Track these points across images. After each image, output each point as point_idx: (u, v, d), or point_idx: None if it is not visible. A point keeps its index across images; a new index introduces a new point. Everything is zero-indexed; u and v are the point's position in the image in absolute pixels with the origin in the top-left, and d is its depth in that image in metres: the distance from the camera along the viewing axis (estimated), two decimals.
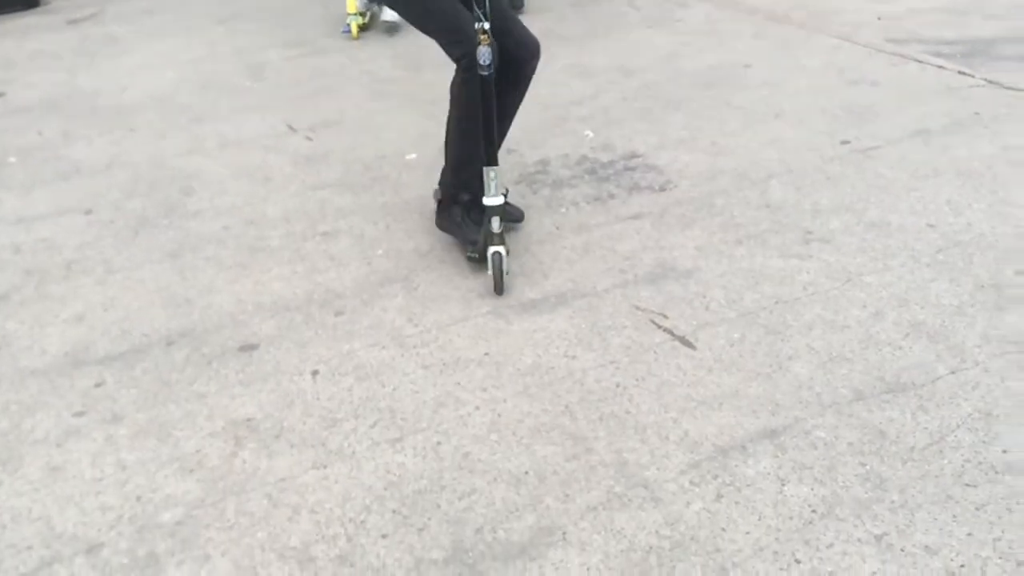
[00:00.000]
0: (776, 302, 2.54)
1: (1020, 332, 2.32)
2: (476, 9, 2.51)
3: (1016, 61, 4.37)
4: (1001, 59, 4.46)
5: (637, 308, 2.56)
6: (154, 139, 4.07)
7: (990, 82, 3.97)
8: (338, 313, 2.63)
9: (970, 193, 3.03)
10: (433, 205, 3.05)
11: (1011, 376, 2.17)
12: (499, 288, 2.66)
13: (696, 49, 4.76)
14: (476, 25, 2.53)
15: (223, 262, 2.97)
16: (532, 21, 5.13)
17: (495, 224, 2.64)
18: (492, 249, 2.63)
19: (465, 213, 2.87)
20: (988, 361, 2.23)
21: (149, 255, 3.05)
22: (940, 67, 4.20)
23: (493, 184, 2.63)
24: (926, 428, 2.03)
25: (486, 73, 2.55)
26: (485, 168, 2.63)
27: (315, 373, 2.36)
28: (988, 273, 2.58)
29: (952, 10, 5.38)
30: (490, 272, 2.66)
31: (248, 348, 2.49)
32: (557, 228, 3.05)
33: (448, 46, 2.66)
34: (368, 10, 5.56)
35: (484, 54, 2.53)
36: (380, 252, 2.98)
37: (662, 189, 3.29)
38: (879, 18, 5.36)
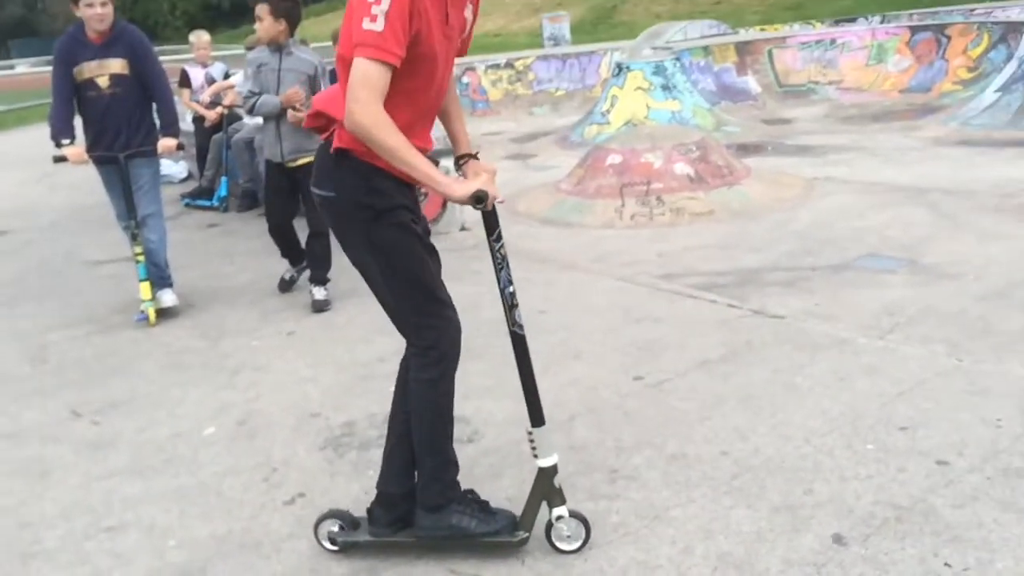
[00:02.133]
0: (590, 548, 2.56)
1: (814, 552, 2.45)
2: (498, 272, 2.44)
3: (778, 287, 4.94)
4: (767, 285, 5.04)
5: (452, 572, 2.50)
6: None
7: (756, 312, 4.44)
8: None
9: (753, 418, 3.28)
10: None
11: None
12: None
13: (494, 299, 5.04)
14: (509, 289, 2.43)
15: None
16: (338, 279, 5.33)
17: (556, 482, 2.52)
18: (556, 512, 2.52)
19: (474, 506, 2.61)
20: None
21: None
22: (712, 301, 4.67)
23: (546, 444, 2.53)
24: None
25: (521, 332, 2.50)
26: (535, 430, 2.51)
27: None
28: (780, 496, 2.75)
29: (721, 245, 6.09)
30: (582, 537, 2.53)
31: None
32: (366, 493, 2.98)
33: (420, 328, 2.43)
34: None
35: (519, 315, 2.48)
36: (173, 543, 2.77)
37: (469, 440, 3.33)
38: (660, 255, 5.96)
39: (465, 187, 2.27)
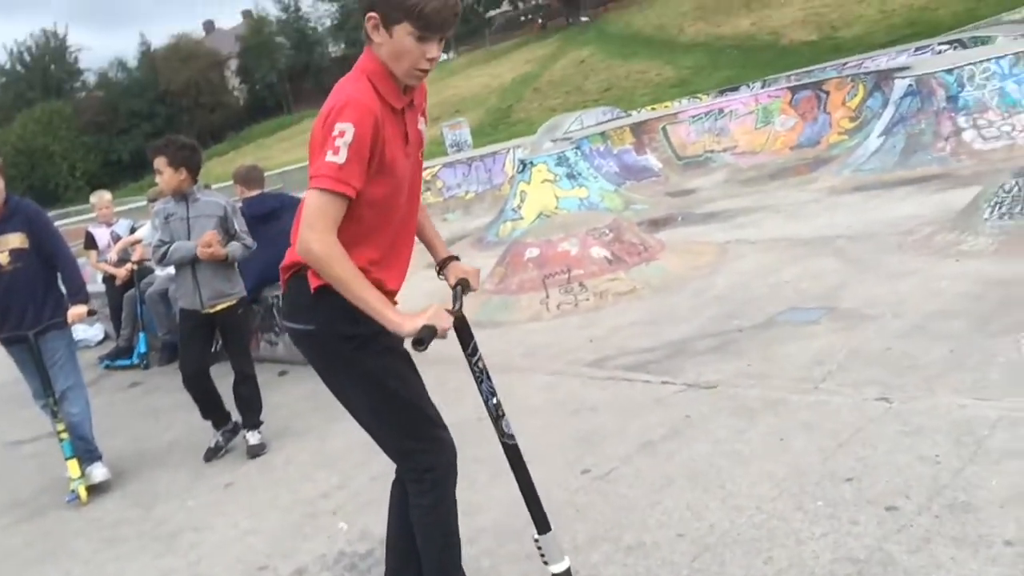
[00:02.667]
0: None
1: None
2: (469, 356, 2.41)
3: (709, 354, 5.02)
4: (698, 354, 5.12)
5: None
6: None
7: (689, 385, 4.49)
8: None
9: (703, 494, 3.27)
10: None
11: None
12: None
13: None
14: (492, 400, 2.39)
15: None
16: (270, 418, 5.21)
17: None
18: None
19: None
20: None
21: None
22: (646, 381, 4.71)
23: (555, 550, 2.44)
24: None
25: (513, 442, 2.44)
26: (541, 537, 2.44)
27: None
28: (742, 570, 2.73)
29: (648, 321, 6.18)
30: None
31: None
32: None
33: (414, 453, 2.41)
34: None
35: (508, 424, 2.43)
36: None
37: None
38: (591, 340, 6.01)
39: (412, 323, 2.20)
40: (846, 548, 2.71)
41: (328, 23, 71.27)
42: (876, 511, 2.87)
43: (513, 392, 5.05)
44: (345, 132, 2.15)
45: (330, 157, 2.16)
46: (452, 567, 2.50)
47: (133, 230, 8.78)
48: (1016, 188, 6.04)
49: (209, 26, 78.51)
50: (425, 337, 2.17)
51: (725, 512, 3.10)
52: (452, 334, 2.32)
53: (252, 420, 5.08)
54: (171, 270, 5.76)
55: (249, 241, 5.05)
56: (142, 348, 8.09)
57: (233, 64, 70.77)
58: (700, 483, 3.37)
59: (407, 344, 2.25)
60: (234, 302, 5.03)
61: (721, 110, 14.46)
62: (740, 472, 3.37)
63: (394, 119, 2.30)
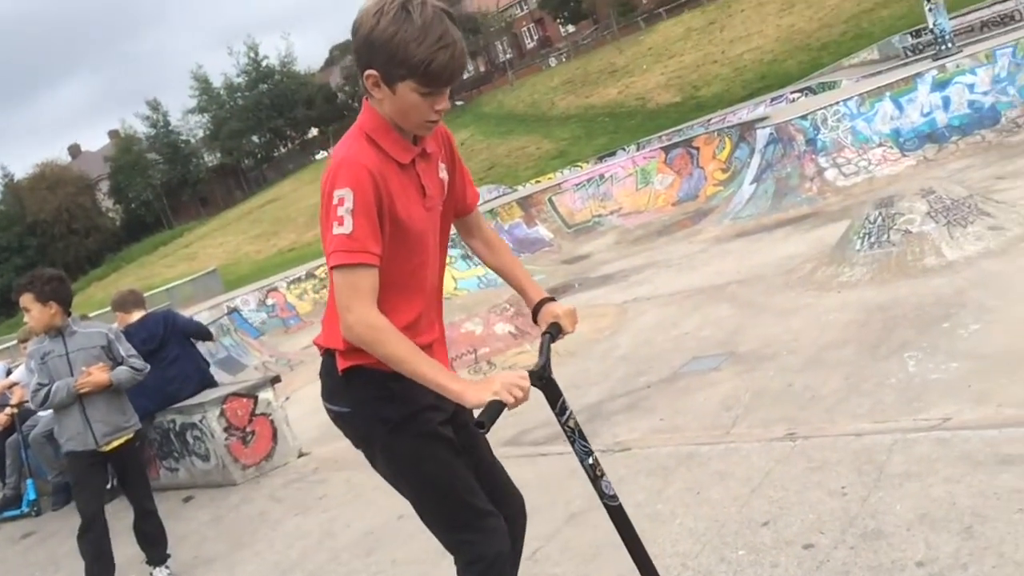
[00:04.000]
0: None
1: None
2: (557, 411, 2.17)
3: (623, 413, 5.11)
4: (612, 415, 5.20)
5: None
6: None
7: (604, 451, 4.52)
8: None
9: (630, 560, 3.27)
10: None
11: None
12: None
13: (347, 519, 4.87)
14: (588, 460, 2.17)
15: None
16: (177, 553, 4.96)
17: None
18: None
19: None
20: None
21: None
22: (560, 453, 4.72)
23: None
24: None
25: (616, 503, 2.22)
26: None
27: None
28: None
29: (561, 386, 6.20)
30: None
31: None
32: None
33: (460, 544, 2.23)
34: None
35: (608, 484, 2.22)
36: None
37: None
38: (504, 417, 5.97)
39: (477, 395, 2.01)
40: None
41: (201, 134, 70.79)
42: (795, 551, 2.94)
43: None
44: (344, 199, 2.00)
45: (336, 230, 2.01)
46: None
47: (8, 372, 8.37)
48: (880, 218, 6.44)
49: (75, 150, 76.82)
50: (487, 418, 1.96)
51: None
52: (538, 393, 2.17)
53: (159, 556, 4.81)
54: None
55: (139, 363, 4.76)
56: (31, 495, 7.61)
57: (104, 186, 69.29)
58: (625, 550, 3.37)
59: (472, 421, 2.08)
60: (131, 435, 4.74)
61: (602, 175, 14.97)
62: (662, 532, 3.40)
63: (402, 173, 2.13)
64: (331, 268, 2.04)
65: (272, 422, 6.37)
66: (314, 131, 69.81)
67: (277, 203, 45.93)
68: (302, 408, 8.91)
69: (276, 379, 6.80)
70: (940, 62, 10.77)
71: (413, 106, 2.07)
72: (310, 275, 16.10)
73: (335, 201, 2.01)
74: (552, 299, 2.38)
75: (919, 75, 10.53)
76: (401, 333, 2.05)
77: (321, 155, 62.76)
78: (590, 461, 2.18)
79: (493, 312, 8.25)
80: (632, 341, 7.45)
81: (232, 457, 6.19)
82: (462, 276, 11.70)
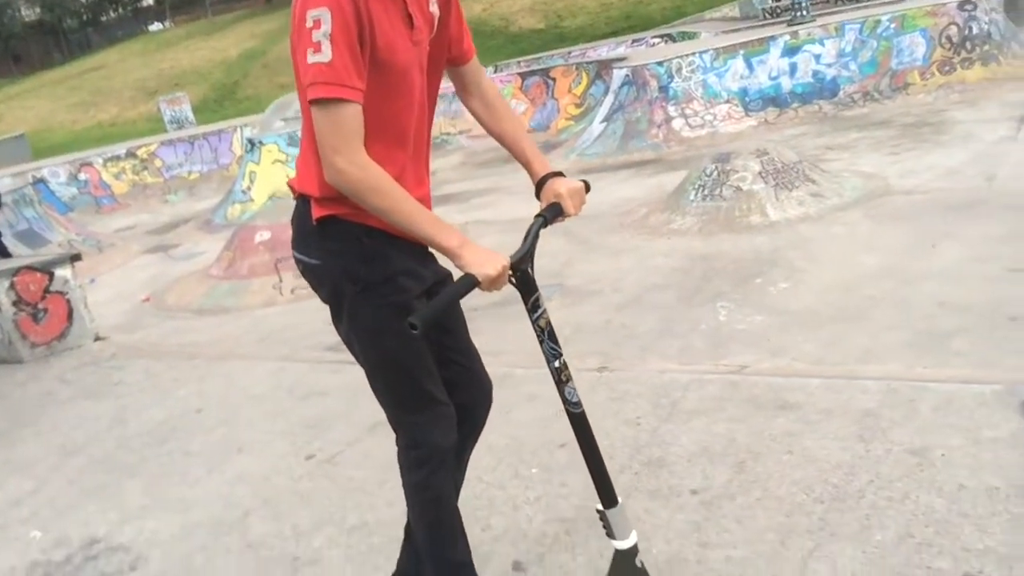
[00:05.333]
0: None
1: None
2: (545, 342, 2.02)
3: None
4: None
5: None
6: None
7: None
8: None
9: None
10: None
11: None
12: None
13: (142, 407, 4.72)
14: (554, 363, 2.04)
15: None
16: None
17: (638, 562, 2.18)
18: None
19: None
20: None
21: None
22: None
23: (622, 524, 2.15)
24: None
25: (579, 411, 2.12)
26: (607, 511, 2.14)
27: None
28: None
29: None
30: None
31: None
32: None
33: (401, 425, 2.16)
34: None
35: (572, 391, 2.10)
36: None
37: (132, 568, 3.07)
38: (327, 324, 5.91)
39: (479, 261, 1.88)
40: (556, 510, 2.91)
41: None
42: (583, 474, 3.09)
43: (237, 381, 4.90)
44: (321, 20, 1.74)
45: (312, 57, 1.75)
46: (438, 556, 2.28)
47: None
48: (716, 172, 6.75)
49: None
50: (428, 311, 1.83)
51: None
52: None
53: None
54: None
55: None
56: None
57: None
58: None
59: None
60: None
61: (455, 93, 14.78)
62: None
63: (391, 7, 1.87)
64: (309, 102, 1.81)
65: (68, 301, 6.02)
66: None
67: (101, 72, 42.53)
68: (107, 293, 8.49)
69: (76, 257, 6.40)
70: (794, 28, 11.21)
71: None
72: (131, 154, 15.15)
73: (309, 23, 1.75)
74: (560, 174, 2.19)
75: (772, 39, 10.95)
76: (391, 180, 1.86)
77: (156, 27, 58.22)
78: (556, 364, 2.07)
79: None
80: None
81: (20, 333, 5.84)
82: None
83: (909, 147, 8.46)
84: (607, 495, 2.13)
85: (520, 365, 4.30)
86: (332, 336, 5.58)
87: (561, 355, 2.05)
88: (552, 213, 2.11)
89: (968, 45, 10.38)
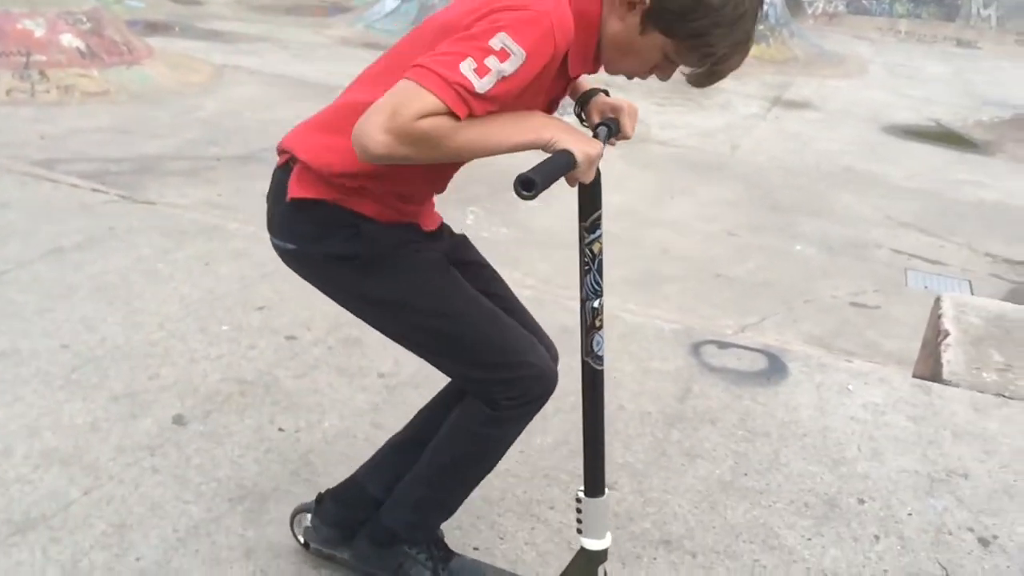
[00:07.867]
0: None
1: (150, 435, 2.45)
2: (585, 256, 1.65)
3: (180, 176, 4.84)
4: (167, 175, 4.90)
5: None
6: None
7: (124, 197, 4.24)
8: None
9: (105, 308, 3.13)
10: None
11: (143, 482, 2.26)
12: None
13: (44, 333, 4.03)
14: (594, 302, 1.68)
15: None
16: None
17: (602, 572, 1.82)
18: None
19: (431, 563, 1.93)
20: (122, 472, 2.29)
21: None
22: (74, 185, 4.33)
23: (601, 520, 1.79)
24: (58, 560, 1.97)
25: (600, 367, 1.73)
26: (588, 499, 1.78)
27: None
28: (123, 384, 2.69)
29: (118, 129, 5.73)
30: None
31: None
32: None
33: (491, 386, 1.71)
34: None
35: (600, 343, 1.71)
36: None
37: None
38: (42, 138, 5.36)
39: (578, 141, 1.55)
40: (237, 370, 2.81)
41: None
42: (276, 339, 3.03)
43: None
44: (511, 55, 1.42)
45: (469, 71, 1.41)
46: (453, 488, 1.90)
47: None
48: None
49: None
50: (540, 175, 1.44)
51: (123, 328, 3.01)
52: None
53: None
54: None
55: None
56: None
57: None
58: (105, 297, 3.21)
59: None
60: None
61: None
62: (152, 291, 3.29)
63: (556, 75, 1.59)
64: (418, 82, 1.41)
65: None
66: None
67: None
68: None
69: None
70: None
71: (645, 57, 1.63)
72: None
73: (497, 45, 1.43)
74: (604, 91, 1.90)
75: None
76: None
77: None
78: (595, 304, 1.71)
79: (64, 19, 7.27)
80: (217, 108, 7.05)
81: None
82: None
83: (678, 103, 8.92)
84: (594, 481, 1.80)
85: (240, 221, 4.10)
86: (42, 153, 5.10)
87: (602, 295, 1.73)
88: (612, 127, 1.83)
89: None
